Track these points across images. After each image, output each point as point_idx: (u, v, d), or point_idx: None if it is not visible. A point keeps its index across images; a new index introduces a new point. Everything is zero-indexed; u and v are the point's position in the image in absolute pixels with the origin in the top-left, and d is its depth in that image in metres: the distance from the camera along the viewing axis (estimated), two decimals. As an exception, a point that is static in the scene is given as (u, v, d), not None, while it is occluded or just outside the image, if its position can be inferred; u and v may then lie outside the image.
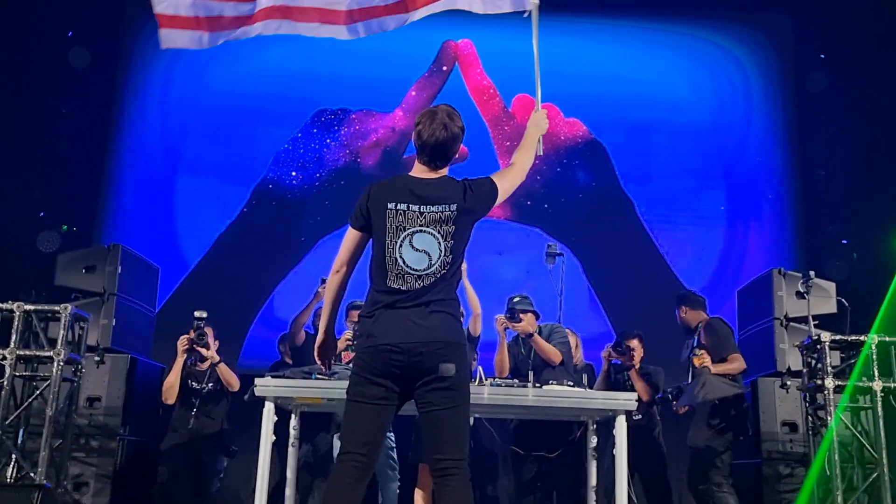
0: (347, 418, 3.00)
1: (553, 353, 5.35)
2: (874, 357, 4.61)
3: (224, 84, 8.38)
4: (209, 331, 5.54)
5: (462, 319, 3.17)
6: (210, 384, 5.58)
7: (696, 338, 5.48)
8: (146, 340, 6.18)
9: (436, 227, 3.00)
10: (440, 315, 2.97)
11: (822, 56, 8.32)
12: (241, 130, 8.27)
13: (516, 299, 5.44)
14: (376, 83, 8.37)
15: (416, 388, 2.95)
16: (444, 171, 3.13)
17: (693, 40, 8.52)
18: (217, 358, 5.55)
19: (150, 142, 8.29)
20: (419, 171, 3.13)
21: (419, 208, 3.02)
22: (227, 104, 8.32)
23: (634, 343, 5.76)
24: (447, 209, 3.01)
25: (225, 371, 5.56)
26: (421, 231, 2.99)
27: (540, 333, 5.42)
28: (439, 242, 2.99)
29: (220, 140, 8.25)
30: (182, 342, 5.46)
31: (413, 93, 8.43)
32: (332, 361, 3.34)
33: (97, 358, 5.48)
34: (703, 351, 5.17)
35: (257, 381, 4.26)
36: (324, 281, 5.87)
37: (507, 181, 3.25)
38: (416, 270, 2.98)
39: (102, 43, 8.22)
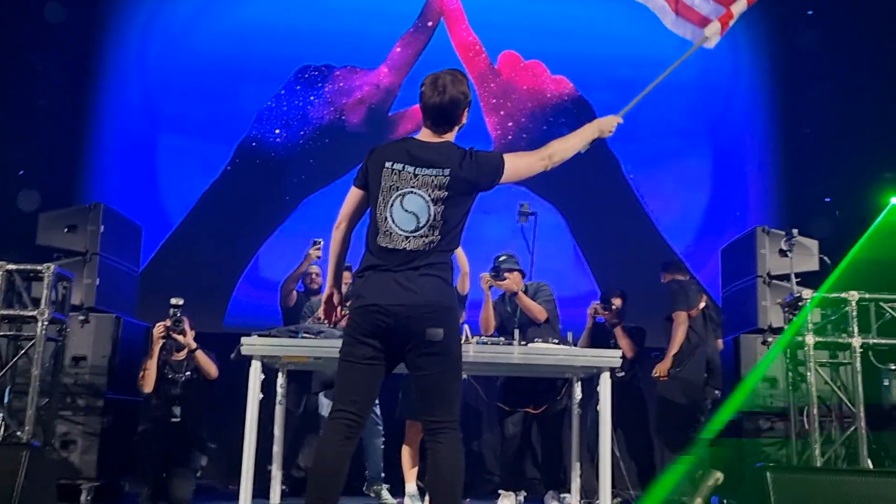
0: (339, 377, 3.03)
1: (538, 311, 5.40)
2: (854, 314, 4.66)
3: (205, 40, 8.24)
4: (185, 319, 5.39)
5: (452, 283, 3.18)
6: (188, 373, 5.46)
7: None
8: (130, 300, 6.15)
9: (427, 190, 2.99)
10: (429, 278, 2.96)
11: (810, 12, 8.27)
12: (223, 87, 8.15)
13: (502, 258, 5.46)
14: (360, 39, 8.25)
15: (405, 352, 2.97)
16: (450, 136, 3.11)
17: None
18: (194, 345, 5.41)
19: (130, 99, 8.16)
20: (425, 134, 3.12)
21: (413, 170, 3.01)
22: (209, 61, 8.18)
23: (618, 301, 5.83)
24: (441, 173, 2.98)
25: (202, 359, 5.43)
26: (412, 192, 2.98)
27: (526, 292, 5.46)
28: (429, 206, 2.98)
29: (202, 97, 8.14)
30: (158, 329, 5.32)
31: (398, 49, 8.32)
32: (339, 316, 3.33)
33: (82, 317, 5.46)
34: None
35: (243, 339, 4.27)
36: (315, 242, 5.86)
37: (522, 161, 3.16)
38: (405, 231, 2.97)
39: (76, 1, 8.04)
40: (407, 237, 2.97)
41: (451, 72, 3.11)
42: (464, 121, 3.12)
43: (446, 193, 2.98)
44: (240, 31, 8.23)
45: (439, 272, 2.99)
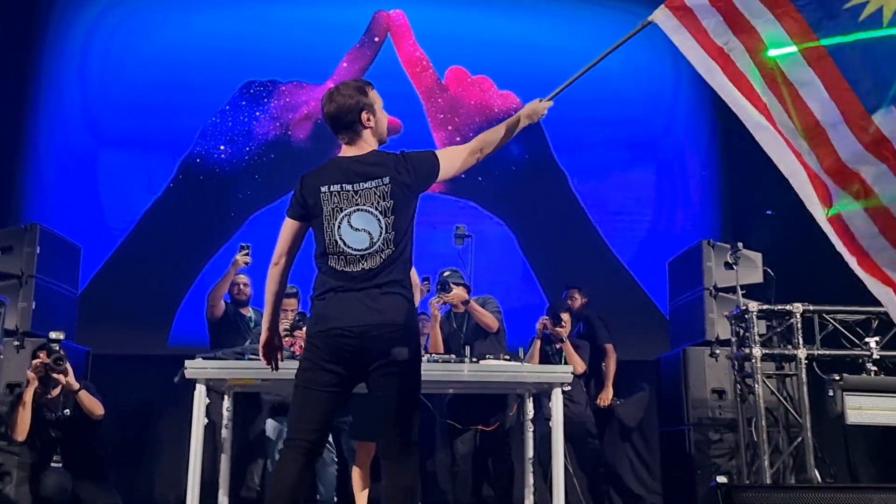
0: (296, 404, 2.93)
1: (490, 319, 5.41)
2: (798, 325, 4.75)
3: (149, 54, 8.05)
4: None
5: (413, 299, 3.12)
6: (67, 410, 4.94)
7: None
8: (69, 323, 5.94)
9: (372, 204, 2.93)
10: (393, 297, 2.91)
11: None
12: (166, 102, 7.96)
13: (447, 273, 5.46)
14: (307, 54, 8.17)
15: (368, 372, 2.90)
16: (369, 146, 3.05)
17: (619, 13, 8.56)
18: (77, 386, 4.89)
19: (69, 114, 7.92)
20: (346, 150, 3.07)
21: (352, 187, 2.95)
22: (152, 75, 7.99)
23: (566, 316, 5.84)
24: (381, 183, 2.94)
25: (86, 399, 4.91)
26: (358, 210, 2.93)
27: None
28: (378, 219, 2.93)
29: (144, 112, 7.94)
30: (35, 368, 4.79)
31: (344, 64, 8.27)
32: (282, 358, 3.19)
33: (17, 343, 5.26)
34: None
35: (188, 363, 4.17)
36: (242, 248, 5.69)
37: (456, 157, 3.15)
38: (359, 251, 2.91)
39: (14, 9, 7.79)
40: (363, 256, 2.91)
41: (343, 82, 3.10)
42: (370, 125, 3.03)
43: (392, 203, 2.93)
44: (184, 45, 8.08)
45: (402, 290, 2.95)
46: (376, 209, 2.93)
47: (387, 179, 2.94)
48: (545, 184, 8.22)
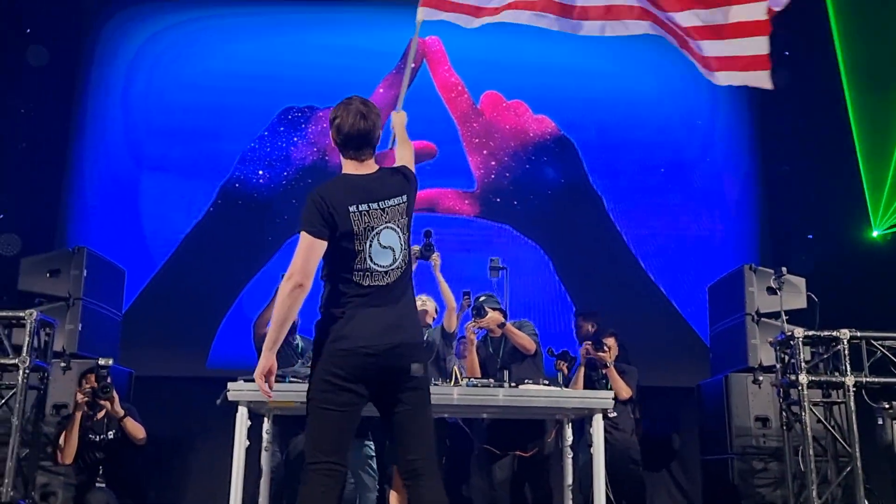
0: (315, 425, 2.90)
1: (527, 341, 5.38)
2: (846, 352, 4.66)
3: (189, 81, 8.23)
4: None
5: (434, 317, 3.20)
6: (111, 432, 5.02)
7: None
8: (113, 344, 6.05)
9: (396, 221, 3.01)
10: (410, 313, 3.00)
11: (787, 53, 8.43)
12: (206, 128, 8.12)
13: (482, 298, 5.45)
14: (344, 80, 8.27)
15: (386, 390, 2.91)
16: (373, 162, 3.07)
17: (658, 37, 8.55)
18: (121, 412, 4.97)
19: (113, 140, 8.11)
20: (353, 167, 3.05)
21: (379, 205, 2.97)
22: (193, 102, 8.17)
23: (610, 341, 5.77)
24: (402, 201, 3.02)
25: (130, 425, 5.00)
26: (386, 227, 2.97)
27: None
28: (399, 236, 3.00)
29: (185, 138, 8.10)
30: (82, 395, 4.90)
31: (381, 90, 8.36)
32: (272, 387, 3.10)
33: (63, 364, 5.34)
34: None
35: (230, 385, 4.19)
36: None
37: (409, 157, 3.34)
38: (383, 267, 2.95)
39: (61, 40, 8.01)
40: (386, 272, 2.95)
41: (358, 98, 3.08)
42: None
43: (407, 219, 3.03)
44: (225, 72, 8.24)
45: (413, 304, 3.05)
46: (398, 226, 3.00)
47: (405, 197, 3.03)
48: (581, 207, 8.20)
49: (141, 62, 8.28)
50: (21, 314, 4.81)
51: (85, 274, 5.57)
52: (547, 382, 4.69)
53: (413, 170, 3.24)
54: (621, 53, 8.52)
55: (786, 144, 8.22)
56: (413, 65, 8.46)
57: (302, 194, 8.03)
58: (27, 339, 4.74)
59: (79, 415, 4.90)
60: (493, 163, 8.31)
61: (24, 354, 4.72)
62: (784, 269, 5.21)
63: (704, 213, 8.31)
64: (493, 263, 5.77)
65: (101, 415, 5.03)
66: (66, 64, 8.04)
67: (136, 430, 5.05)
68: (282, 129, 8.26)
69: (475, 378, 4.88)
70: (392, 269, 2.96)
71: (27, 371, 4.71)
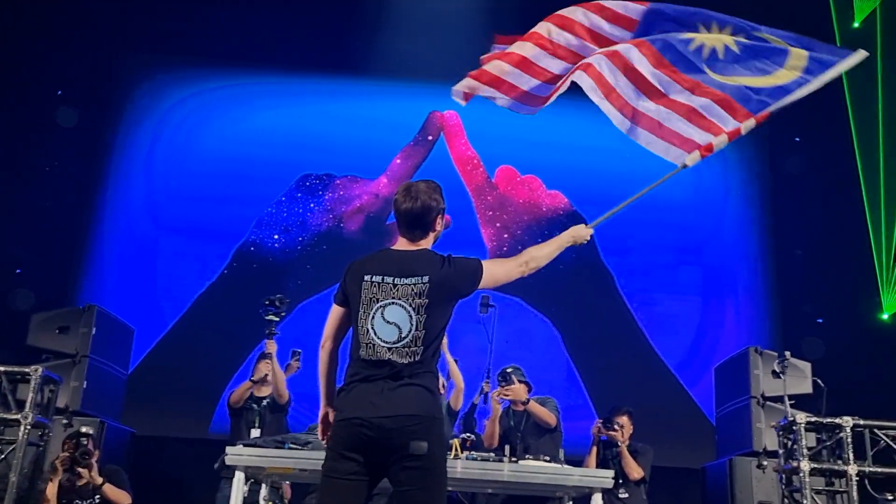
0: (321, 493, 2.94)
1: (548, 416, 5.38)
2: (849, 440, 4.59)
3: (211, 146, 8.46)
4: (94, 450, 4.94)
5: (441, 394, 3.14)
6: (97, 496, 4.92)
7: None
8: (117, 403, 6.07)
9: (408, 300, 2.97)
10: (413, 388, 2.91)
11: (798, 139, 8.55)
12: (226, 193, 8.30)
13: (509, 369, 5.48)
14: (362, 150, 8.48)
15: (388, 465, 2.88)
16: (425, 244, 3.12)
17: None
18: (99, 480, 4.88)
19: (133, 201, 8.31)
20: (401, 243, 3.14)
21: (393, 280, 2.99)
22: (214, 166, 8.38)
23: (624, 420, 5.65)
24: (420, 281, 2.97)
25: (111, 492, 4.90)
26: (393, 303, 2.96)
27: None
28: (411, 315, 2.95)
29: (204, 202, 8.28)
30: (62, 461, 4.82)
31: (398, 161, 8.54)
32: None
33: (65, 422, 5.36)
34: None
35: (228, 449, 4.19)
36: (294, 353, 5.77)
37: (500, 269, 3.21)
38: (387, 343, 2.94)
39: (91, 102, 8.30)
40: (390, 348, 2.93)
41: (425, 181, 3.17)
42: (438, 228, 3.14)
43: (427, 301, 2.95)
44: (246, 139, 8.46)
45: (424, 382, 2.94)
46: (410, 305, 2.96)
47: (426, 278, 2.98)
48: (592, 284, 8.23)
49: (166, 126, 8.53)
50: (26, 370, 4.85)
51: (94, 332, 5.64)
52: (548, 459, 4.63)
53: (495, 265, 3.21)
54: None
55: (798, 228, 8.25)
56: (430, 137, 8.73)
57: (316, 260, 8.20)
58: (31, 394, 4.77)
59: (55, 481, 4.85)
60: (505, 235, 8.40)
61: (26, 410, 4.75)
62: (788, 353, 5.17)
63: (715, 293, 8.31)
64: (483, 300, 5.84)
65: (82, 481, 4.94)
66: (94, 125, 8.31)
67: (118, 497, 4.97)
68: (299, 195, 8.42)
69: (475, 452, 4.84)
70: (398, 347, 2.93)
71: (28, 427, 4.73)
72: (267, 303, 5.31)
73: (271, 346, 5.45)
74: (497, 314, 5.88)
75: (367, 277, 3.01)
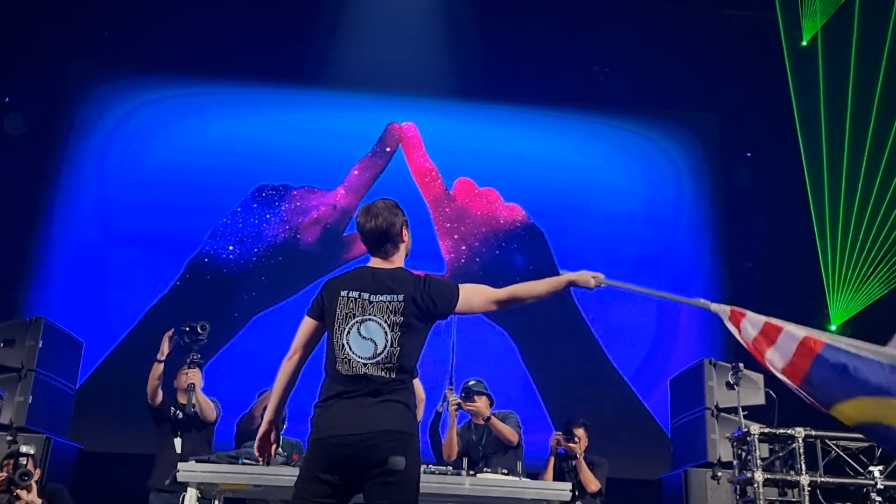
0: None
1: (510, 433, 5.35)
2: (801, 450, 4.67)
3: (165, 155, 8.31)
4: (35, 470, 4.82)
5: (416, 410, 3.12)
6: None
7: None
8: (64, 419, 5.90)
9: (383, 316, 2.98)
10: (392, 404, 2.92)
11: (749, 154, 8.74)
12: (179, 203, 8.15)
13: (471, 382, 5.44)
14: (319, 160, 8.42)
15: (364, 481, 2.86)
16: (399, 258, 3.14)
17: (627, 133, 8.87)
18: (39, 502, 4.78)
19: (83, 211, 8.11)
20: (375, 262, 3.15)
21: (369, 297, 3.01)
22: (167, 176, 8.23)
23: (580, 432, 5.68)
24: (395, 299, 2.99)
25: None
26: (369, 319, 2.97)
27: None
28: (386, 332, 2.96)
29: (157, 212, 8.12)
30: None
31: (356, 172, 8.49)
32: (274, 454, 3.20)
33: (9, 438, 5.19)
34: None
35: (180, 465, 4.10)
36: (261, 394, 5.62)
37: (477, 298, 3.14)
38: (363, 358, 2.94)
39: (41, 110, 8.10)
40: (366, 364, 2.93)
41: (382, 199, 3.20)
42: (406, 239, 3.17)
43: (402, 319, 2.97)
44: (201, 148, 8.34)
45: (402, 398, 2.95)
46: (385, 322, 2.97)
47: (401, 297, 2.99)
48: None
49: (118, 135, 8.36)
50: (-31, 385, 4.70)
51: (40, 345, 5.48)
52: (506, 472, 4.63)
53: (476, 291, 3.14)
54: (591, 147, 8.79)
55: (749, 241, 8.43)
56: (388, 149, 8.71)
57: (272, 271, 8.09)
58: (-27, 410, 4.62)
59: None
60: (463, 247, 8.41)
61: (-32, 426, 4.59)
62: (741, 364, 5.24)
63: (669, 304, 8.41)
64: None
65: (27, 496, 4.81)
66: (43, 133, 8.11)
67: None
68: (255, 205, 8.32)
69: (432, 465, 4.82)
70: (373, 363, 2.93)
71: (-30, 444, 4.57)
72: (188, 329, 5.11)
73: (194, 377, 5.22)
74: (456, 321, 5.89)
75: (343, 293, 3.01)
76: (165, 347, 5.36)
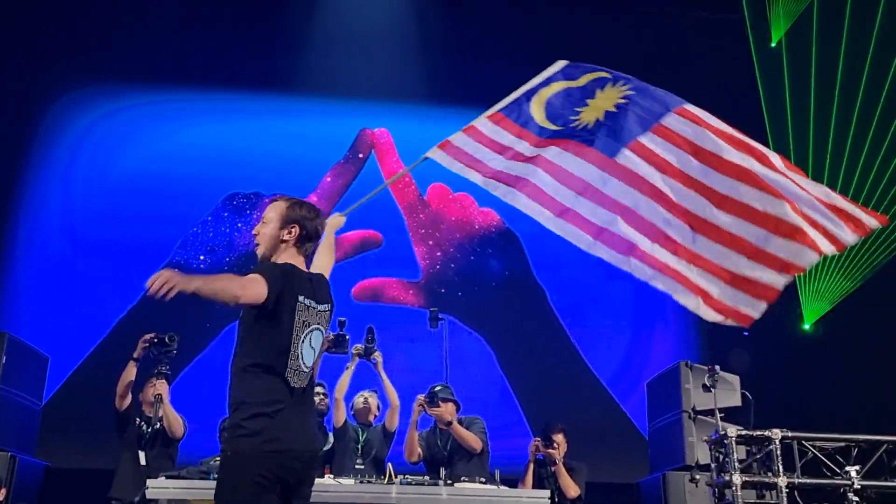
0: None
1: (473, 440, 5.29)
2: (778, 452, 4.67)
3: (134, 163, 8.18)
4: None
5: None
6: None
7: None
8: (30, 436, 5.76)
9: (322, 325, 3.04)
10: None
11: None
12: (148, 212, 8.02)
13: (438, 387, 5.40)
14: (291, 168, 8.33)
15: (292, 496, 2.87)
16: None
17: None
18: None
19: (49, 220, 7.96)
20: (300, 262, 3.08)
21: (317, 307, 3.03)
22: (136, 185, 8.10)
23: (559, 437, 5.60)
24: (328, 308, 3.08)
25: None
26: (316, 329, 3.00)
27: (460, 423, 5.35)
28: (321, 342, 3.07)
29: (126, 221, 7.98)
30: None
31: (328, 179, 8.41)
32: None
33: (-28, 456, 5.05)
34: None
35: (149, 482, 4.03)
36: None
37: None
38: (306, 368, 2.95)
39: (3, 121, 7.93)
40: (306, 373, 2.95)
41: (302, 200, 3.20)
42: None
43: (328, 326, 3.10)
44: (171, 156, 8.22)
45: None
46: (322, 331, 3.05)
47: (330, 306, 3.09)
48: (524, 299, 8.24)
49: (86, 143, 8.22)
50: (-71, 403, 4.56)
51: (4, 360, 5.34)
52: (483, 480, 4.59)
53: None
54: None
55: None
56: (361, 155, 8.63)
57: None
58: (-66, 429, 4.48)
59: None
60: (438, 253, 8.35)
61: (-72, 446, 4.45)
62: (717, 366, 5.24)
63: (645, 307, 8.41)
64: (432, 314, 5.79)
65: None
66: (7, 144, 7.94)
67: None
68: (226, 214, 8.21)
69: (410, 476, 4.75)
70: (308, 374, 2.96)
71: (-70, 464, 4.43)
72: (156, 341, 4.99)
73: (161, 388, 5.11)
74: (448, 327, 5.98)
75: (300, 299, 2.96)
76: (140, 350, 5.21)
